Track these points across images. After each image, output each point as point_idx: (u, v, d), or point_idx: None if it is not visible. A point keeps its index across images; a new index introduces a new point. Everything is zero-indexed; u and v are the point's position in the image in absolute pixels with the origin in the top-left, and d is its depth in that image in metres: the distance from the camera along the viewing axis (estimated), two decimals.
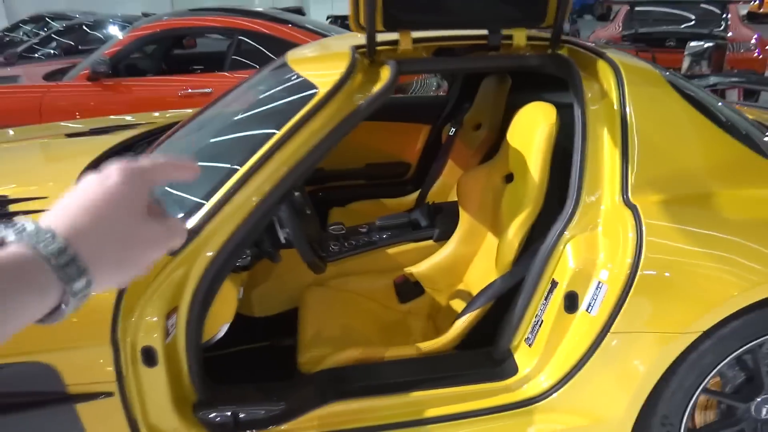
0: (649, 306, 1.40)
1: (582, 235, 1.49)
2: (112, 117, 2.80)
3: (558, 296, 1.48)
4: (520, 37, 1.74)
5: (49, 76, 4.08)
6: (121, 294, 1.29)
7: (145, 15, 7.52)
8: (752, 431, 1.59)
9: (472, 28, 1.80)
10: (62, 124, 2.78)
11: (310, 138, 1.45)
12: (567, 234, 1.50)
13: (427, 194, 2.77)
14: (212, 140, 1.80)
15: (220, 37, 5.03)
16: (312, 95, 1.50)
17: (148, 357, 1.35)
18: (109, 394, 1.34)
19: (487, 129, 2.47)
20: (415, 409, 1.50)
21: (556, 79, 1.94)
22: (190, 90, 3.68)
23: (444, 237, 2.17)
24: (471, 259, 2.04)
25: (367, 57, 1.62)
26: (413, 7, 1.67)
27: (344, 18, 8.81)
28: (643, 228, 1.39)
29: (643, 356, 1.43)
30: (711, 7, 7.14)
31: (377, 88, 1.51)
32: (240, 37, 3.84)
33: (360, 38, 1.65)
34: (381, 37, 1.61)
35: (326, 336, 1.79)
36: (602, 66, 1.62)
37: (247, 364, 1.98)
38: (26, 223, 0.51)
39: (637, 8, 7.24)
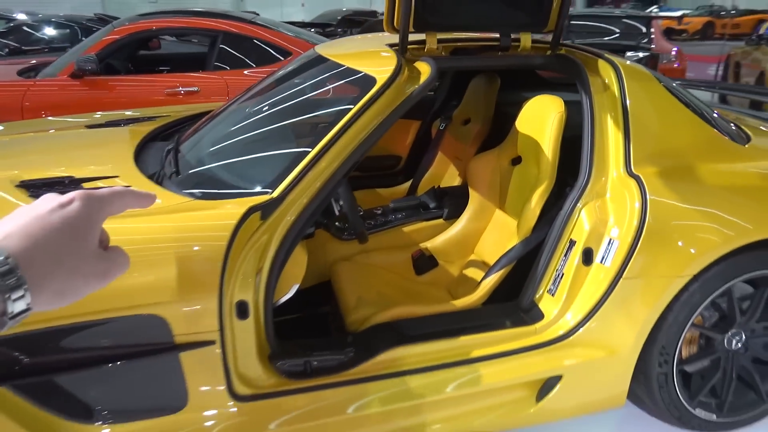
0: (652, 256, 1.73)
1: (594, 201, 1.81)
2: (123, 111, 2.90)
3: (576, 252, 1.79)
4: (526, 40, 2.06)
5: (23, 73, 4.07)
6: (227, 254, 1.48)
7: (99, 16, 7.43)
8: (725, 360, 1.96)
9: (487, 31, 2.10)
10: (69, 119, 2.85)
11: (372, 120, 1.69)
12: (581, 201, 1.81)
13: (418, 184, 3.04)
14: (276, 123, 2.00)
15: (173, 39, 5.15)
16: (371, 84, 1.74)
17: (241, 310, 1.54)
18: (210, 343, 1.52)
19: (480, 123, 2.77)
20: (461, 351, 1.76)
21: (538, 80, 2.25)
22: (181, 89, 3.78)
23: (453, 215, 2.45)
24: (481, 233, 2.33)
25: (400, 54, 1.88)
26: (440, 12, 1.95)
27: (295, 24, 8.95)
28: (647, 193, 1.73)
29: (648, 297, 1.76)
30: (634, 22, 7.86)
31: (423, 79, 1.77)
32: (222, 38, 3.99)
33: (383, 39, 1.92)
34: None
35: (366, 299, 2.02)
36: (603, 64, 1.95)
37: (288, 332, 2.18)
38: None
39: (572, 21, 7.87)
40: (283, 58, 4.03)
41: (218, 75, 3.90)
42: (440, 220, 2.49)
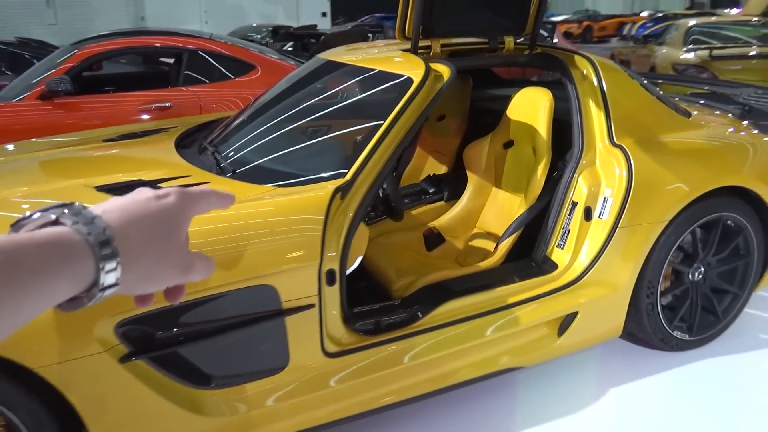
0: (639, 208, 2.18)
1: (587, 169, 2.24)
2: (125, 126, 3.02)
3: (579, 211, 2.21)
4: (509, 42, 2.49)
5: None
6: (325, 228, 1.75)
7: (19, 39, 7.13)
8: (691, 290, 2.45)
9: (479, 36, 2.50)
10: (74, 136, 2.94)
11: (414, 114, 2.02)
12: (577, 171, 2.24)
13: (402, 175, 3.39)
14: (328, 119, 2.28)
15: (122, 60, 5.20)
16: (409, 84, 2.06)
17: (331, 278, 1.81)
18: (310, 307, 1.78)
19: (458, 118, 3.15)
20: (497, 300, 2.12)
21: (502, 81, 2.68)
22: (154, 105, 3.90)
23: (452, 197, 2.82)
24: (481, 209, 2.71)
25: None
26: (443, 22, 2.33)
27: None
28: (631, 158, 2.18)
29: (638, 241, 2.20)
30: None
31: (446, 77, 2.12)
32: (188, 55, 4.14)
33: (390, 46, 2.28)
34: None
35: (404, 270, 2.33)
36: (579, 59, 2.40)
37: None
38: (84, 209, 0.52)
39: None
40: (248, 71, 4.24)
41: (189, 90, 4.05)
42: (441, 203, 2.85)
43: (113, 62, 5.21)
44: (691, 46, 6.87)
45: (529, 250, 2.32)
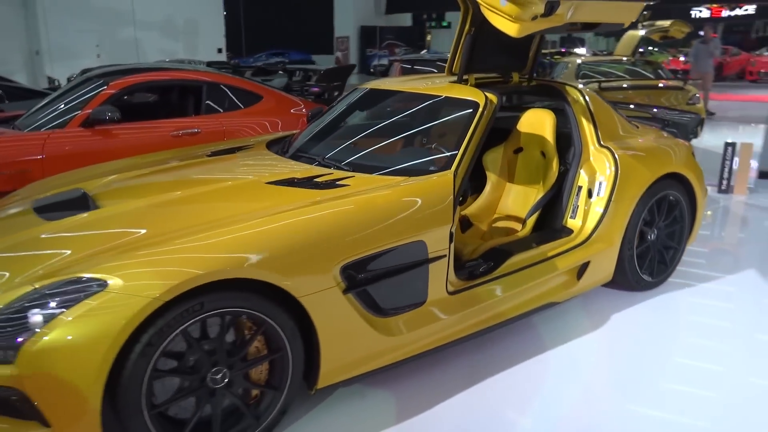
0: (623, 187, 3.21)
1: (586, 163, 3.25)
2: (211, 144, 3.61)
3: (583, 192, 3.21)
4: (516, 76, 3.48)
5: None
6: (455, 200, 2.56)
7: None
8: (651, 245, 3.52)
9: (497, 72, 3.46)
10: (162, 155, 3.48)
11: (483, 126, 2.90)
12: (579, 165, 3.24)
13: None
14: (418, 130, 3.09)
15: None
16: (477, 106, 2.94)
17: (452, 237, 2.62)
18: (444, 257, 2.57)
19: None
20: (539, 255, 3.03)
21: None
22: (182, 132, 4.44)
23: (475, 192, 3.71)
24: (499, 200, 3.63)
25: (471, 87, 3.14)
26: (477, 62, 3.27)
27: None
28: (616, 155, 3.22)
29: (623, 210, 3.23)
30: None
31: (496, 102, 3.02)
32: (206, 87, 4.73)
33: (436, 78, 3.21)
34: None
35: (466, 242, 3.17)
36: (570, 89, 3.43)
37: None
38: None
39: (402, 65, 9.75)
40: (255, 101, 4.90)
41: (213, 118, 4.63)
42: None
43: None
44: (582, 80, 8.42)
45: (544, 224, 3.27)
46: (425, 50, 27.69)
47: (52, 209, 2.55)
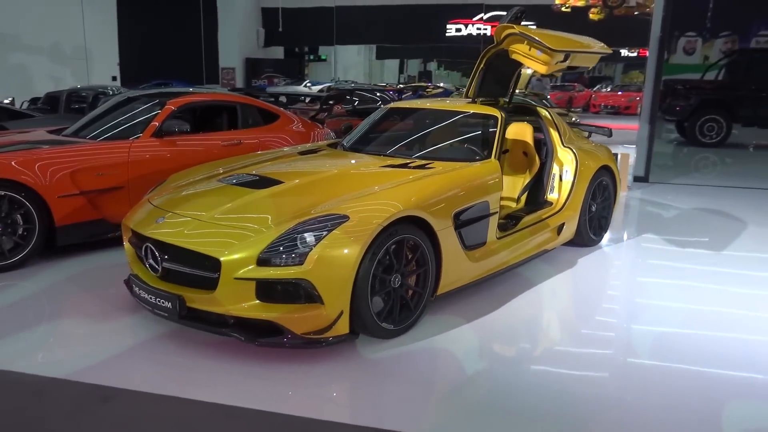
0: (581, 173, 4.84)
1: (556, 158, 4.86)
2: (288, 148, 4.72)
3: (558, 177, 4.81)
4: (501, 100, 5.06)
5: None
6: (501, 174, 3.98)
7: None
8: (595, 212, 5.19)
9: (492, 97, 5.01)
10: (257, 154, 4.54)
11: (502, 132, 4.37)
12: (553, 159, 4.84)
13: None
14: (455, 133, 4.47)
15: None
16: (496, 118, 4.40)
17: (499, 200, 4.04)
18: (496, 213, 3.98)
19: None
20: (537, 217, 4.55)
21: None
22: (226, 143, 5.45)
23: None
24: None
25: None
26: (483, 90, 4.80)
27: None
28: (576, 152, 4.85)
29: (582, 185, 4.86)
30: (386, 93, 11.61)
31: (505, 115, 4.51)
32: (240, 107, 5.78)
33: (456, 99, 4.70)
34: None
35: None
36: (540, 109, 5.06)
37: None
38: None
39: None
40: (274, 119, 6.02)
41: (248, 132, 5.68)
42: None
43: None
44: None
45: (531, 200, 4.81)
46: (307, 81, 29.12)
47: (247, 185, 3.59)
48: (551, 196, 4.83)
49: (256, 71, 28.36)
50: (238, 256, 2.92)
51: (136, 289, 3.31)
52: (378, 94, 11.41)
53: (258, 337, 2.97)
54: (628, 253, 5.23)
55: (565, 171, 4.84)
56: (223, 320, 3.02)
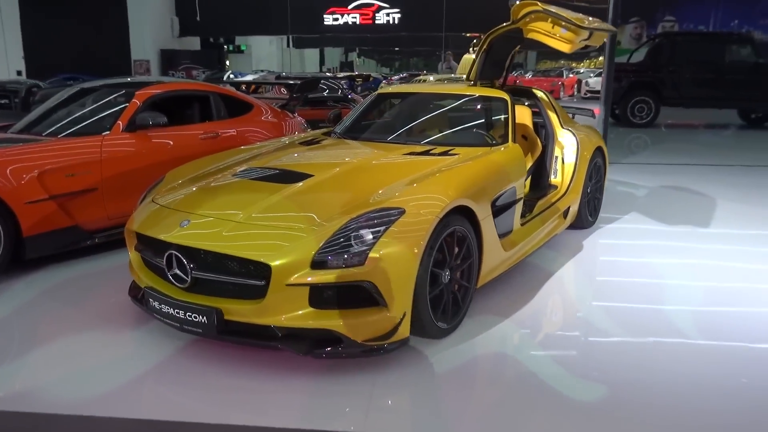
0: (581, 154, 4.81)
1: (557, 141, 4.79)
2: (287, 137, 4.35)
3: (560, 160, 4.74)
4: (497, 82, 4.93)
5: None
6: (524, 160, 3.84)
7: None
8: (591, 193, 5.19)
9: (488, 80, 4.86)
10: (256, 146, 4.16)
11: (513, 113, 4.23)
12: (554, 142, 4.76)
13: None
14: (468, 117, 4.26)
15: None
16: (505, 101, 4.26)
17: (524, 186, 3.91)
18: (521, 199, 3.84)
19: None
20: (547, 203, 4.46)
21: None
22: (204, 135, 4.99)
23: None
24: None
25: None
26: (483, 73, 4.65)
27: None
28: (575, 133, 4.80)
29: (584, 167, 4.83)
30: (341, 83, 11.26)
31: (510, 98, 4.38)
32: (212, 97, 5.31)
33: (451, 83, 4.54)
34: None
35: None
36: (537, 90, 4.96)
37: None
38: None
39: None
40: (249, 110, 5.60)
41: (225, 123, 5.23)
42: None
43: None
44: None
45: (534, 183, 4.72)
46: (229, 72, 28.05)
47: (271, 179, 3.23)
48: (554, 180, 4.76)
49: (172, 63, 26.98)
50: (289, 260, 2.60)
51: (155, 303, 2.90)
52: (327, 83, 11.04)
53: (313, 348, 2.67)
54: (627, 234, 5.26)
55: (567, 153, 4.79)
56: (271, 332, 2.69)
